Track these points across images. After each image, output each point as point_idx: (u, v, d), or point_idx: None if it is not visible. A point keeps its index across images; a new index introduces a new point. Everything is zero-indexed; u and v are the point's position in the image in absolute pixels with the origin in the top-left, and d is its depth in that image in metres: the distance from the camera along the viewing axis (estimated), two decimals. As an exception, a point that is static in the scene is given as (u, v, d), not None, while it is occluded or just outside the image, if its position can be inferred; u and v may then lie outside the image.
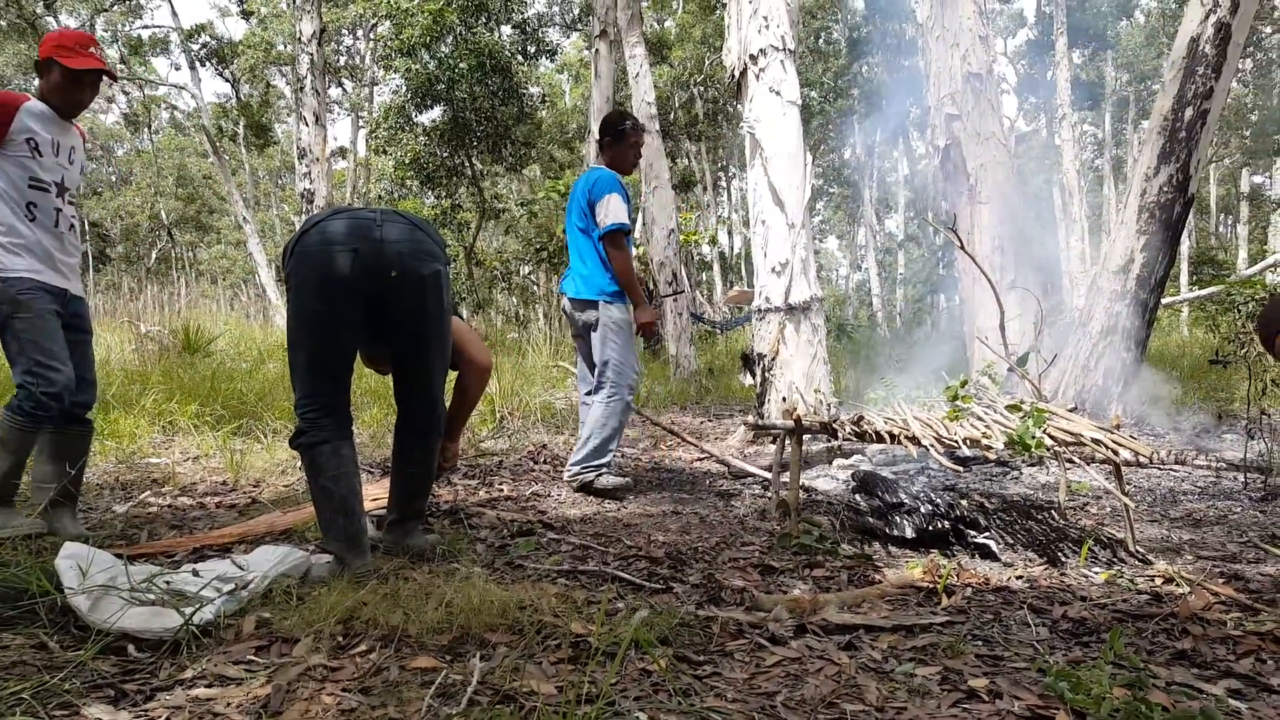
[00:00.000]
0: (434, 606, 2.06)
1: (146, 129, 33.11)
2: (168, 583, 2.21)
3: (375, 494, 3.37)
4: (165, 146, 36.19)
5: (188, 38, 23.27)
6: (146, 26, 25.33)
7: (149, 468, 4.38)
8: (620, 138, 4.19)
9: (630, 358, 4.07)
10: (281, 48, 25.69)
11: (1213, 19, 5.72)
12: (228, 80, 26.81)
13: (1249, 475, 4.09)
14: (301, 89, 10.07)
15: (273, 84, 28.53)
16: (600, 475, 4.03)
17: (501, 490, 4.08)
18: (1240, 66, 16.83)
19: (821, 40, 23.47)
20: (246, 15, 25.92)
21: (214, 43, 24.98)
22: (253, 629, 2.05)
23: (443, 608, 2.05)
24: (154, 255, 36.00)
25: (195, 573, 2.32)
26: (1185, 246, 22.18)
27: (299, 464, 3.47)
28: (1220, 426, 5.78)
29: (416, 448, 2.75)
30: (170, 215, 35.54)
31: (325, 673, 1.79)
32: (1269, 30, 17.49)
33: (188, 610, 1.99)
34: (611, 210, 3.95)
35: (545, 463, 4.86)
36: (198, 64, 23.50)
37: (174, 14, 23.13)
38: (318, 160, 10.08)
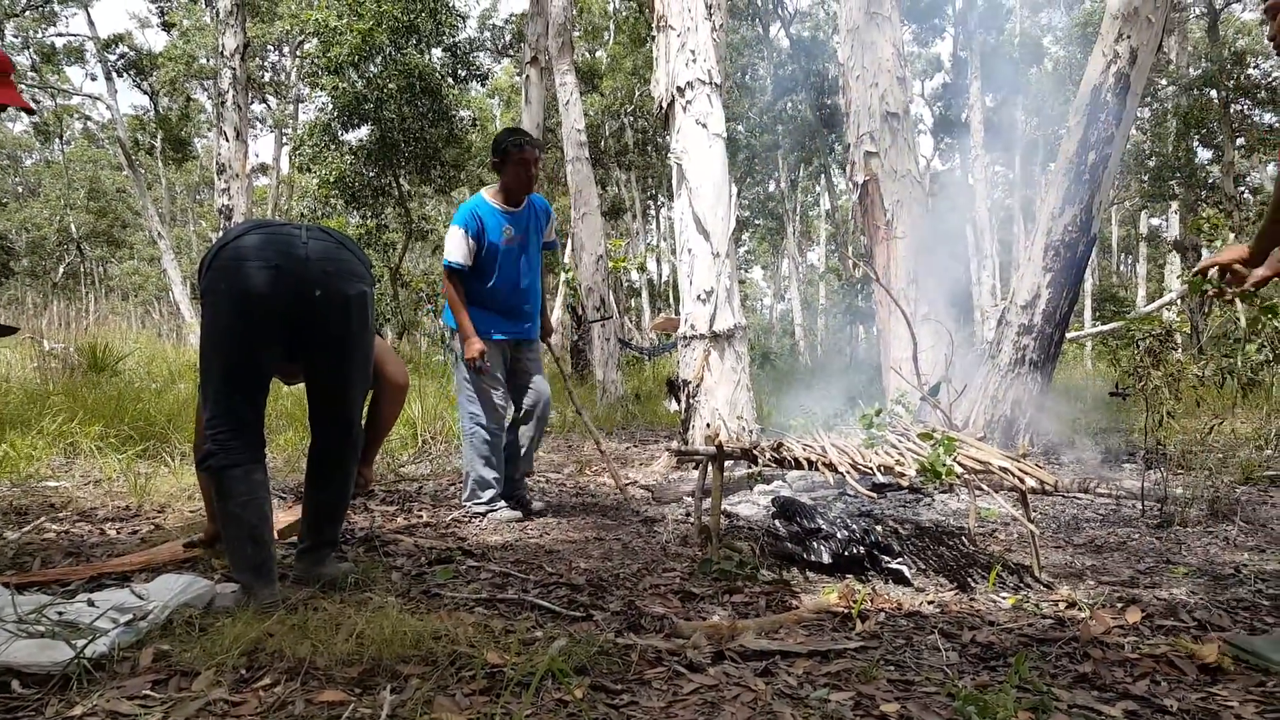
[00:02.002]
0: (344, 637, 2.00)
1: (58, 139, 31.85)
2: (60, 613, 2.10)
3: (286, 521, 3.27)
4: (77, 158, 34.85)
5: (104, 47, 22.52)
6: (61, 34, 24.45)
7: (46, 492, 4.17)
8: (503, 159, 4.03)
9: (474, 391, 4.06)
10: (204, 61, 25.08)
11: (1113, 69, 6.05)
12: (146, 92, 26.04)
13: (1146, 503, 4.28)
14: (223, 103, 9.83)
15: (193, 97, 27.81)
16: (493, 510, 4.04)
17: (420, 516, 4.01)
18: (1139, 115, 17.84)
19: (748, 76, 24.03)
20: (168, 27, 25.25)
21: (132, 54, 24.23)
22: (150, 662, 1.97)
23: (353, 639, 2.00)
24: (61, 270, 34.50)
25: (90, 603, 2.22)
26: (1089, 284, 23.28)
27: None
28: (1120, 456, 6.05)
29: (331, 473, 2.68)
30: (80, 229, 34.15)
31: (226, 708, 1.72)
32: (1164, 82, 18.60)
33: (80, 642, 1.89)
34: (447, 244, 4.01)
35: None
36: (114, 74, 22.74)
37: (90, 23, 22.41)
38: (238, 176, 9.83)
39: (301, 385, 2.80)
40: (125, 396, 5.97)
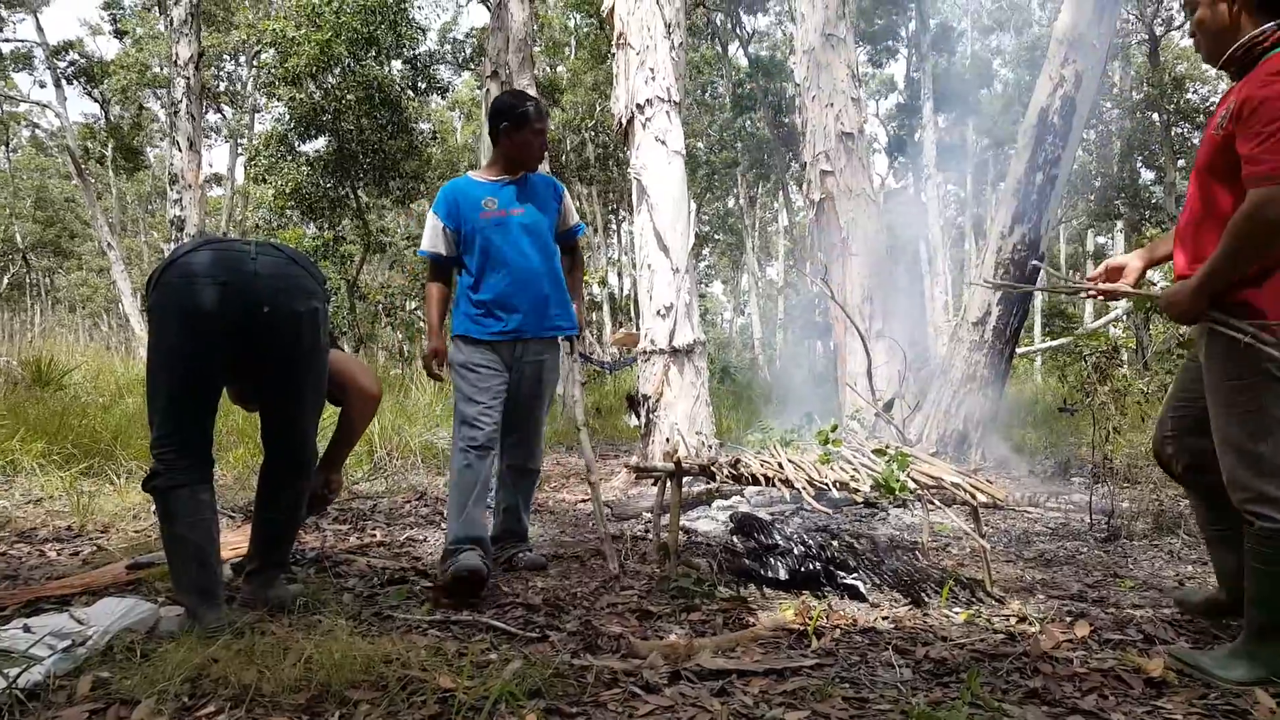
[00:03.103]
0: (292, 662, 1.96)
1: (3, 147, 31.04)
2: (-8, 641, 2.03)
3: (236, 541, 3.20)
4: (24, 166, 33.98)
5: (54, 54, 22.02)
6: (8, 40, 23.82)
7: (-18, 513, 4.03)
8: (504, 125, 3.31)
9: (461, 401, 3.28)
10: (157, 70, 24.64)
11: (1060, 92, 6.22)
12: (97, 100, 25.50)
13: (1094, 517, 4.37)
14: (176, 113, 9.64)
15: (146, 106, 27.29)
16: (457, 555, 2.98)
17: (374, 536, 3.94)
18: (1085, 136, 18.34)
19: (708, 94, 24.25)
20: (120, 35, 24.78)
21: (83, 61, 23.72)
22: (88, 690, 1.91)
23: (301, 663, 1.96)
24: (5, 280, 33.56)
25: (26, 628, 2.14)
26: (1038, 300, 23.79)
27: (154, 508, 3.27)
28: (1069, 471, 6.17)
29: (282, 492, 2.63)
30: (26, 239, 33.27)
31: (168, 737, 1.67)
32: (1109, 105, 19.16)
33: (12, 671, 1.83)
34: (425, 231, 3.40)
35: (425, 506, 4.73)
36: (64, 82, 22.24)
37: (39, 29, 21.84)
38: (190, 186, 9.64)
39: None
40: (70, 412, 5.80)
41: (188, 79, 9.48)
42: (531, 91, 10.12)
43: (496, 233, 3.27)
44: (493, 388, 3.27)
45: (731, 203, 28.30)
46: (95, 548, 3.50)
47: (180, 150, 9.47)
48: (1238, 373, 2.13)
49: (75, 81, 23.75)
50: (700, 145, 22.88)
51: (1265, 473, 2.10)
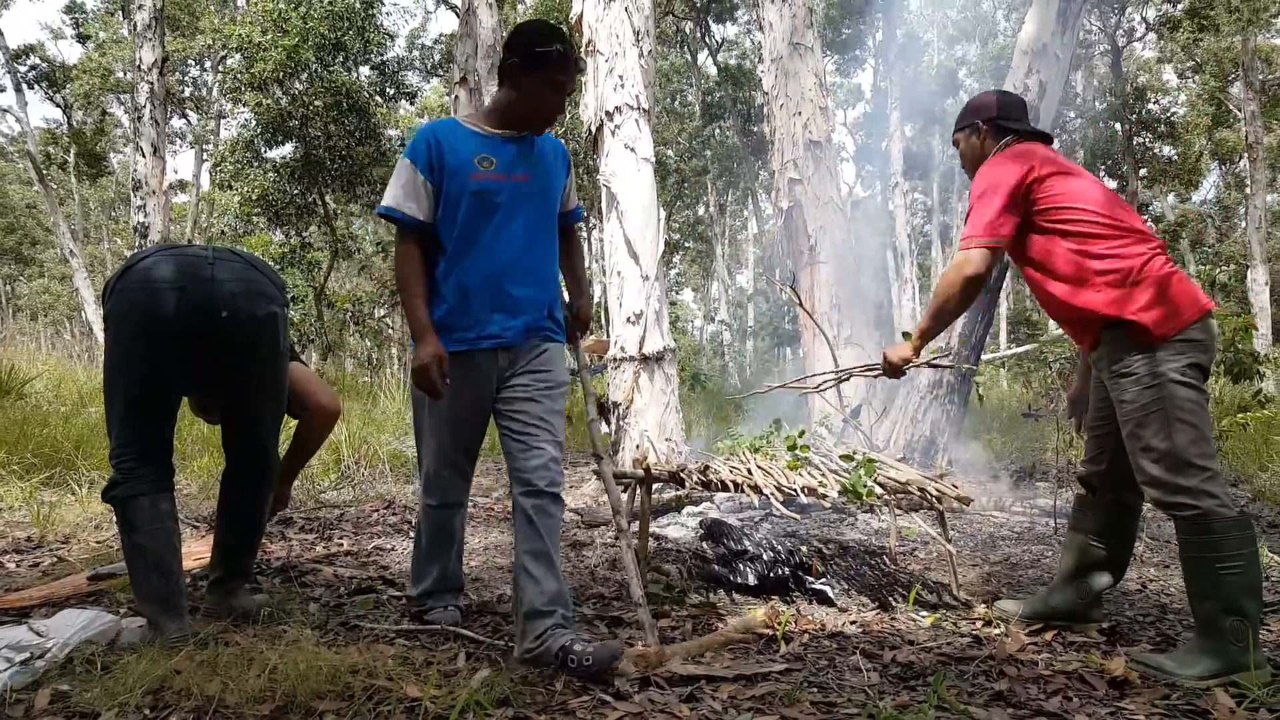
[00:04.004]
0: (256, 673, 1.93)
1: (-39, 151, 30.40)
2: (-54, 655, 1.98)
3: (199, 551, 3.15)
4: (-17, 171, 33.31)
5: (14, 58, 21.59)
6: (-35, 44, 23.35)
7: (-64, 525, 3.93)
8: (526, 62, 2.43)
9: (422, 430, 2.60)
10: (121, 75, 24.28)
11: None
12: (59, 105, 25.04)
13: (1059, 520, 4.43)
14: (140, 118, 9.51)
15: (109, 111, 26.85)
16: (421, 608, 2.68)
17: (341, 545, 3.90)
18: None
19: (677, 102, 24.34)
20: (83, 39, 24.38)
21: (45, 65, 23.30)
22: (47, 704, 1.87)
23: (266, 674, 1.93)
24: (-38, 287, 32.82)
25: (-19, 643, 2.09)
26: (1003, 307, 24.13)
27: (115, 518, 3.21)
28: (1034, 475, 6.26)
29: (244, 500, 2.60)
30: (-14, 245, 32.59)
31: (127, 751, 1.64)
32: (1072, 115, 19.52)
33: (-33, 687, 1.79)
34: (390, 183, 2.50)
35: (393, 515, 4.69)
36: (25, 86, 21.82)
37: (-1, 32, 21.43)
38: (154, 193, 9.51)
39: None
40: (31, 421, 5.67)
41: (152, 84, 9.36)
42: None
43: (488, 203, 2.45)
44: (474, 414, 2.52)
45: (701, 210, 28.41)
46: (56, 559, 3.43)
47: (144, 156, 9.34)
48: (1136, 381, 2.35)
49: (36, 86, 23.33)
50: (670, 153, 22.96)
51: (1176, 466, 2.28)
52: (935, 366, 2.88)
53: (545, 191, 2.56)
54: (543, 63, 2.40)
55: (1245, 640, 2.20)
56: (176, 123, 27.62)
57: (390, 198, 2.44)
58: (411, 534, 3.78)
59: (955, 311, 2.65)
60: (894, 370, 2.85)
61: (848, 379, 3.32)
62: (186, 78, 26.55)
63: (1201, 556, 2.26)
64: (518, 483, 2.40)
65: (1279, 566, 3.46)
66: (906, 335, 2.84)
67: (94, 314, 16.42)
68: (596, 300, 27.54)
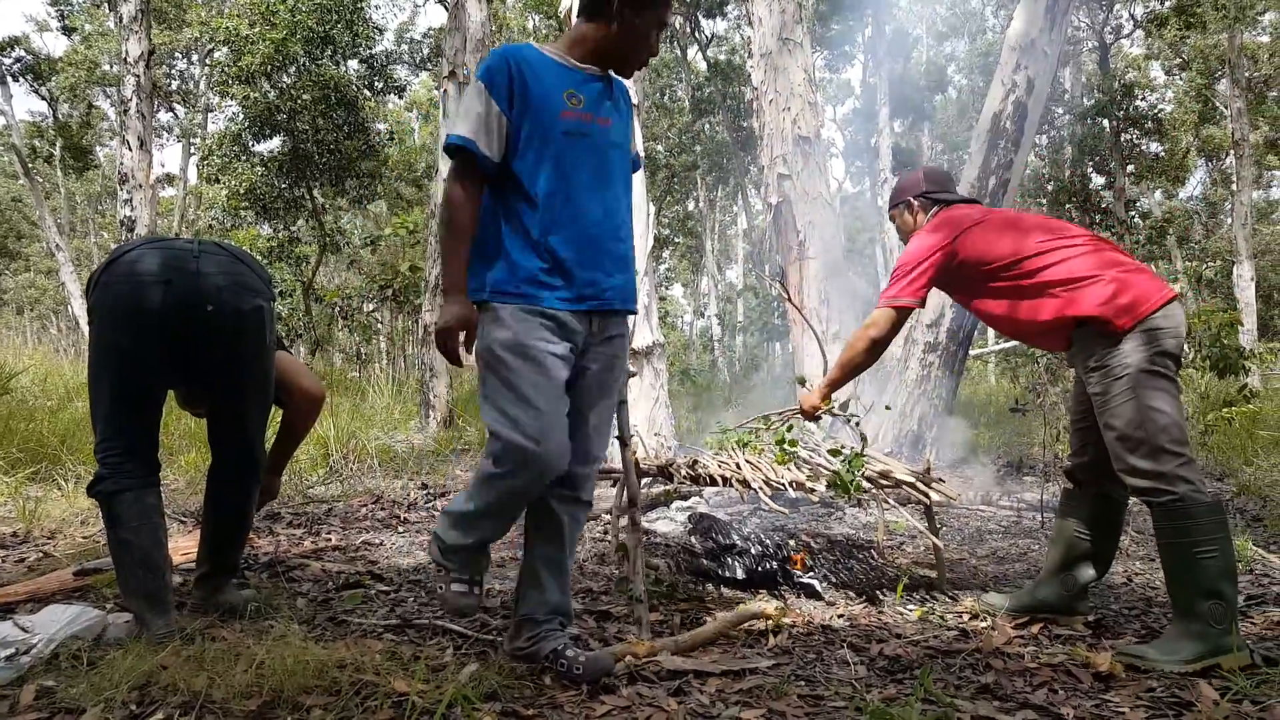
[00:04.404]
0: (243, 668, 1.93)
1: (-57, 144, 30.07)
2: (-70, 651, 1.97)
3: (186, 546, 3.14)
4: (-33, 164, 32.98)
5: (-1, 51, 21.39)
6: (-51, 37, 23.10)
7: (-81, 520, 3.90)
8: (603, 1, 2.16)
9: (506, 403, 2.06)
10: (107, 67, 24.08)
11: (1012, 98, 6.34)
12: (44, 98, 24.78)
13: (1046, 514, 4.45)
14: (126, 111, 9.43)
15: (96, 105, 26.63)
16: (450, 582, 2.19)
17: (329, 540, 3.89)
18: (1037, 142, 18.75)
19: (666, 97, 24.31)
20: (68, 31, 24.15)
21: (30, 58, 23.07)
22: (32, 699, 1.86)
23: (253, 669, 1.93)
24: (-54, 282, 32.56)
25: (-35, 639, 2.08)
26: (994, 302, 24.13)
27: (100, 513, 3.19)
28: (1021, 469, 6.29)
29: (231, 495, 2.59)
30: (-30, 239, 32.31)
31: (112, 747, 1.63)
32: (1060, 111, 19.59)
33: (-50, 683, 1.78)
34: (458, 112, 2.16)
35: (381, 510, 4.68)
36: (9, 79, 21.60)
37: (-19, 24, 21.20)
38: (141, 186, 9.44)
39: (202, 405, 2.70)
40: (16, 416, 5.64)
41: (138, 77, 9.29)
42: (490, 92, 10.08)
43: (578, 147, 2.16)
44: (557, 385, 2.11)
45: (691, 206, 28.40)
46: (42, 554, 3.41)
47: (130, 149, 9.27)
48: (1107, 374, 2.43)
49: (21, 79, 23.08)
50: (660, 148, 22.93)
51: (1152, 453, 2.34)
52: (836, 416, 3.22)
53: (624, 141, 2.32)
54: (652, 2, 2.17)
55: (1226, 621, 2.25)
56: (163, 116, 27.42)
57: (465, 127, 2.08)
58: (400, 530, 3.79)
59: (860, 367, 2.92)
60: (808, 416, 3.19)
61: (772, 423, 3.60)
62: (173, 71, 26.36)
63: (1179, 542, 2.31)
64: (559, 482, 2.16)
65: (1263, 560, 3.48)
66: (802, 381, 3.22)
67: (80, 308, 16.30)
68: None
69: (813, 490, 2.98)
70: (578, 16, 2.24)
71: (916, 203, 2.96)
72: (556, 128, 2.12)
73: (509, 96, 2.10)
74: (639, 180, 5.69)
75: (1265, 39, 20.70)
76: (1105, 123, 17.75)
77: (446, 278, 2.11)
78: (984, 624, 2.73)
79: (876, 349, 2.82)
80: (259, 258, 9.26)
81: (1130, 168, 18.17)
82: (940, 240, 2.71)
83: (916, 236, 2.83)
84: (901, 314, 2.75)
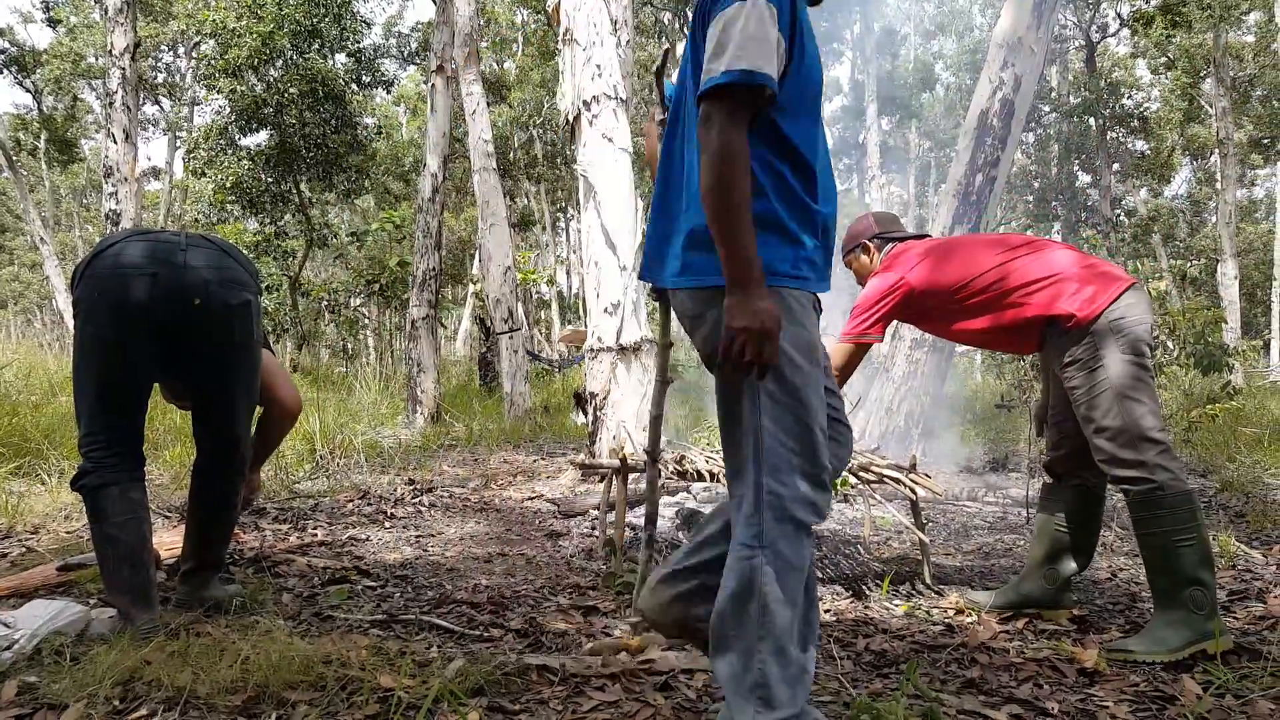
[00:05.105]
0: (228, 664, 1.91)
1: (-73, 136, 29.76)
2: (-90, 647, 1.95)
3: (171, 541, 3.11)
4: (-52, 156, 32.63)
5: (-18, 42, 21.20)
6: (-68, 28, 22.84)
7: (-101, 516, 3.86)
8: None
9: (778, 421, 1.60)
10: (92, 60, 23.89)
11: (999, 95, 6.37)
12: (29, 90, 24.57)
13: (1031, 510, 4.48)
14: (111, 104, 9.35)
15: (81, 97, 26.42)
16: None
17: (315, 535, 3.87)
18: (1024, 139, 18.83)
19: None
20: (53, 23, 23.94)
21: (14, 50, 22.86)
22: (14, 695, 1.84)
23: (238, 665, 1.91)
24: (-73, 275, 32.25)
25: (-54, 635, 2.06)
26: (981, 300, 24.29)
27: (84, 507, 3.16)
28: (1007, 465, 6.33)
29: (216, 489, 2.57)
30: (-49, 232, 32.01)
31: (95, 743, 1.62)
32: (1047, 109, 19.68)
33: (-70, 679, 1.76)
34: (725, 42, 1.52)
35: (368, 505, 4.66)
36: (-7, 71, 21.44)
37: (-37, 15, 21.00)
38: (126, 180, 9.36)
39: (187, 399, 2.68)
40: (-1, 410, 5.59)
41: (123, 69, 9.21)
42: (478, 89, 10.04)
43: (819, 109, 1.74)
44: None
45: (681, 201, 28.35)
46: (25, 549, 3.38)
47: (116, 143, 9.19)
48: (1081, 367, 2.47)
49: (6, 71, 22.88)
50: (649, 144, 22.80)
51: (1131, 442, 2.38)
52: None
53: None
54: None
55: (1207, 607, 2.28)
56: (149, 109, 27.23)
57: (750, 57, 1.50)
58: (388, 525, 3.77)
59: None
60: None
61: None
62: (159, 63, 26.19)
63: (1157, 532, 2.34)
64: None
65: (1245, 556, 3.51)
66: None
67: (64, 302, 16.18)
68: (575, 291, 27.51)
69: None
70: None
71: (872, 245, 3.07)
72: (818, 71, 1.68)
73: (791, 22, 1.58)
74: (626, 176, 5.68)
75: (1250, 39, 20.85)
76: (1091, 121, 17.86)
77: (744, 258, 1.50)
78: (969, 619, 2.75)
79: (840, 382, 2.88)
80: (245, 252, 9.21)
81: (1116, 166, 18.28)
82: (897, 277, 2.83)
83: (873, 277, 2.95)
84: (861, 349, 2.86)
